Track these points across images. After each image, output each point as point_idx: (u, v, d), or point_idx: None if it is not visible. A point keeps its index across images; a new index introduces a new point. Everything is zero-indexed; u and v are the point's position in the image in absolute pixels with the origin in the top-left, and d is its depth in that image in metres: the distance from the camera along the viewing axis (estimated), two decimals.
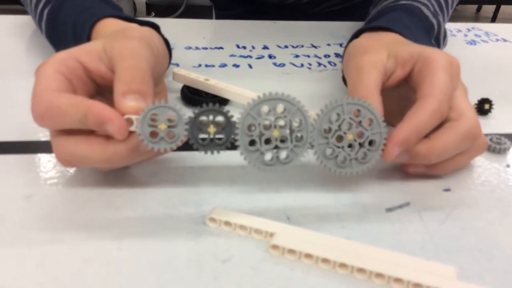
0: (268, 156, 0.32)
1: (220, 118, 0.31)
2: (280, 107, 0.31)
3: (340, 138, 0.33)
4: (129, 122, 0.30)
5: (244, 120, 0.31)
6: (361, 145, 0.33)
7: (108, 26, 0.42)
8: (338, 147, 0.33)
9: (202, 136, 0.31)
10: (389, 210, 0.34)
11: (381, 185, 0.37)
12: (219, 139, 0.31)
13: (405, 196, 0.36)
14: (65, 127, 0.31)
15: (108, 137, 0.31)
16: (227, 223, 0.31)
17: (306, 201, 0.35)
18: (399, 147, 0.33)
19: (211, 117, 0.31)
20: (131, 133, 0.31)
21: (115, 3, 0.48)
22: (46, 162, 0.37)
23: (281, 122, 0.32)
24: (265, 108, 0.31)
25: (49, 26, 0.48)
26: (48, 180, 0.35)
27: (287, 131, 0.32)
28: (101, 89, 0.35)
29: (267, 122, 0.31)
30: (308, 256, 0.29)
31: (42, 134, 0.40)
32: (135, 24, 0.42)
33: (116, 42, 0.34)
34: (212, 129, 0.31)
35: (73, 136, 0.31)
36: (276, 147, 0.32)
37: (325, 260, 0.29)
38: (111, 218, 0.32)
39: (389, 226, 0.33)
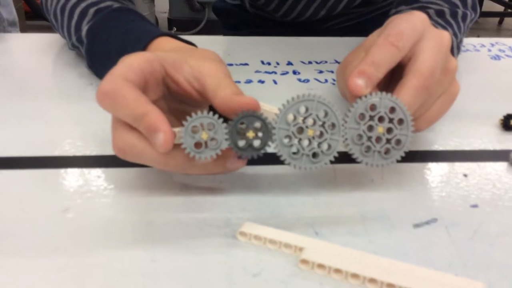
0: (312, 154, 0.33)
1: (257, 124, 0.32)
2: (302, 108, 0.33)
3: (370, 128, 0.34)
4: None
5: (279, 134, 0.33)
6: (388, 141, 0.34)
7: (164, 44, 0.44)
8: (370, 137, 0.34)
9: (241, 141, 0.32)
10: (416, 226, 0.35)
11: (408, 201, 0.37)
12: (258, 145, 0.33)
13: (432, 212, 0.36)
14: (118, 116, 0.33)
15: None
16: (257, 237, 0.32)
17: (333, 216, 0.35)
18: (357, 78, 0.35)
19: (248, 123, 0.32)
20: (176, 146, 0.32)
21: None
22: (84, 176, 0.39)
23: (310, 121, 0.33)
24: (290, 116, 0.33)
25: (90, 42, 0.50)
26: (84, 194, 0.36)
27: (319, 126, 0.33)
28: (169, 95, 0.37)
29: (298, 127, 0.33)
30: (338, 271, 0.30)
31: (75, 150, 0.42)
32: (192, 46, 0.44)
33: (202, 62, 0.36)
34: (251, 134, 0.32)
35: (137, 130, 0.32)
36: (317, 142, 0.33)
37: (355, 275, 0.30)
38: (145, 231, 0.33)
39: (416, 242, 0.33)
